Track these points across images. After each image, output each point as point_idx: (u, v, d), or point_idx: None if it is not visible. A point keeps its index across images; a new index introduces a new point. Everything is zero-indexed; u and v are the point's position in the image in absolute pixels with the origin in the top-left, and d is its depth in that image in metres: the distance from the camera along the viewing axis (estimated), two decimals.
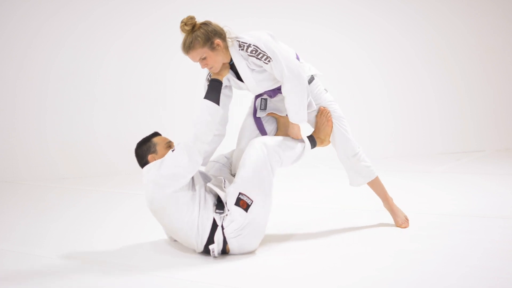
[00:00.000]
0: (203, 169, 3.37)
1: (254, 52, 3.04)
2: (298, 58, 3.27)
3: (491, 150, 7.24)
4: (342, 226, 3.36)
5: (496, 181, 5.06)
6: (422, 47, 7.23)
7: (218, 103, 3.08)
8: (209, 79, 3.18)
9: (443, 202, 4.28)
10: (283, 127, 3.37)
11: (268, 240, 3.34)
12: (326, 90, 3.42)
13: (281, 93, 3.23)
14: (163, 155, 3.10)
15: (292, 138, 3.25)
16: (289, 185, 5.35)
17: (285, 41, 6.32)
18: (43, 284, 2.75)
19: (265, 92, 3.25)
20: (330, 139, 3.42)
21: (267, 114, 3.38)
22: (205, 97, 3.09)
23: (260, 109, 3.35)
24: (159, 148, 3.14)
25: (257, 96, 3.35)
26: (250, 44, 3.05)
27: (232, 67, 3.19)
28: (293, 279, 2.71)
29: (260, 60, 3.05)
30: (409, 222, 3.55)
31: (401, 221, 3.51)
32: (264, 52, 3.03)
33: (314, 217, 3.94)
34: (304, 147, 3.26)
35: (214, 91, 3.11)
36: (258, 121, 3.36)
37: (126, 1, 6.35)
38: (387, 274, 2.71)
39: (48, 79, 6.16)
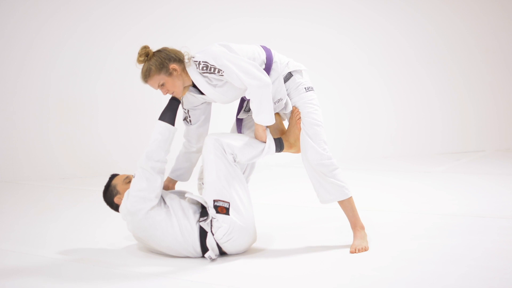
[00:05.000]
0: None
1: (205, 68, 3.02)
2: (271, 55, 3.13)
3: (491, 150, 7.23)
4: (342, 226, 3.35)
5: (496, 181, 5.06)
6: (422, 47, 7.23)
7: (172, 123, 3.12)
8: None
9: (443, 202, 4.28)
10: (273, 130, 3.29)
11: (268, 240, 3.34)
12: (308, 88, 3.18)
13: None
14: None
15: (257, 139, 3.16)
16: (289, 185, 5.35)
17: (285, 41, 6.42)
18: (43, 284, 2.75)
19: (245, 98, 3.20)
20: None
21: None
22: (159, 118, 3.13)
23: (244, 110, 3.27)
24: (120, 187, 3.19)
25: (243, 99, 3.25)
26: (200, 62, 3.03)
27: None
28: (293, 279, 2.71)
29: (214, 73, 3.03)
30: (368, 250, 3.09)
31: (356, 247, 3.07)
32: (213, 65, 3.00)
33: (314, 217, 3.94)
34: (265, 147, 3.11)
35: (169, 111, 3.15)
36: (238, 122, 3.30)
37: (126, 1, 6.36)
38: (387, 274, 2.71)
39: (48, 79, 6.17)
